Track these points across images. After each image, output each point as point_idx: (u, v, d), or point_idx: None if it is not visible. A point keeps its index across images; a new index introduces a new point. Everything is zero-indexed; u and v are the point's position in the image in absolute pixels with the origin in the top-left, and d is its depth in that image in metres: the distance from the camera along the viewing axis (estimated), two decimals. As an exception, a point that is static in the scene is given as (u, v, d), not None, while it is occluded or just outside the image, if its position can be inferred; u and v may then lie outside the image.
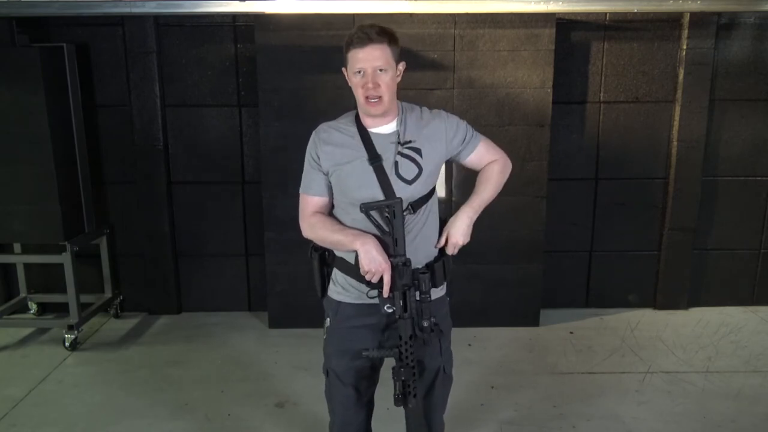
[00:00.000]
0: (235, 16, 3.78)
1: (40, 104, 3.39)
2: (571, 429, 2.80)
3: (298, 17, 3.55)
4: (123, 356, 3.56)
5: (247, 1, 3.43)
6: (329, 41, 3.57)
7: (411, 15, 3.51)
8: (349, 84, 1.77)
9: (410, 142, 1.76)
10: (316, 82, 3.63)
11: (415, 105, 1.86)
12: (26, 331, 3.88)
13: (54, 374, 3.33)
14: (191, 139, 3.95)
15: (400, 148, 1.75)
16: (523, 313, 3.93)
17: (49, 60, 3.47)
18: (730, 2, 3.61)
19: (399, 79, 1.76)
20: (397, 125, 1.78)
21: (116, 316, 4.10)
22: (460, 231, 1.77)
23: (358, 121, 1.79)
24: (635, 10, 3.56)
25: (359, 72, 1.69)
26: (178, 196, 4.02)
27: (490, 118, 3.70)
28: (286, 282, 3.85)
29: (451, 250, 1.78)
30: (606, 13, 3.78)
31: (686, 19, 3.77)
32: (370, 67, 1.68)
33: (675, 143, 3.94)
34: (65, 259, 3.55)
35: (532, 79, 3.65)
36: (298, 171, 1.85)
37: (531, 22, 3.59)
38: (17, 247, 3.90)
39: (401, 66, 1.77)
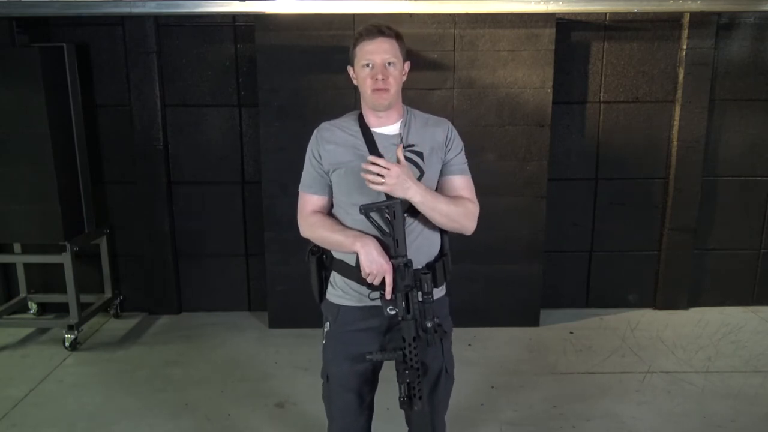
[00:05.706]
0: (235, 16, 3.78)
1: (40, 104, 3.38)
2: (571, 429, 2.80)
3: (298, 17, 3.55)
4: (123, 356, 3.56)
5: (247, 1, 3.43)
6: (329, 41, 3.57)
7: (411, 15, 3.51)
8: (355, 82, 1.76)
9: (413, 145, 1.75)
10: (316, 82, 3.63)
11: (420, 112, 1.85)
12: (26, 331, 3.88)
13: (54, 374, 3.33)
14: (191, 139, 3.95)
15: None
16: (523, 313, 3.93)
17: (49, 60, 3.47)
18: (730, 2, 3.61)
19: (404, 78, 1.76)
20: (400, 127, 1.77)
21: (116, 316, 4.10)
22: (404, 176, 1.59)
23: (361, 120, 1.78)
24: (635, 10, 3.56)
25: (368, 64, 1.69)
26: (178, 196, 4.02)
27: (490, 118, 3.70)
28: (286, 282, 3.84)
29: (370, 165, 1.58)
30: (606, 13, 3.78)
31: (686, 19, 3.78)
32: (380, 58, 1.67)
33: (675, 143, 3.94)
34: (65, 259, 3.55)
35: (532, 79, 3.65)
36: (298, 171, 1.84)
37: (531, 22, 3.59)
38: (17, 247, 3.90)
39: (407, 66, 1.76)
